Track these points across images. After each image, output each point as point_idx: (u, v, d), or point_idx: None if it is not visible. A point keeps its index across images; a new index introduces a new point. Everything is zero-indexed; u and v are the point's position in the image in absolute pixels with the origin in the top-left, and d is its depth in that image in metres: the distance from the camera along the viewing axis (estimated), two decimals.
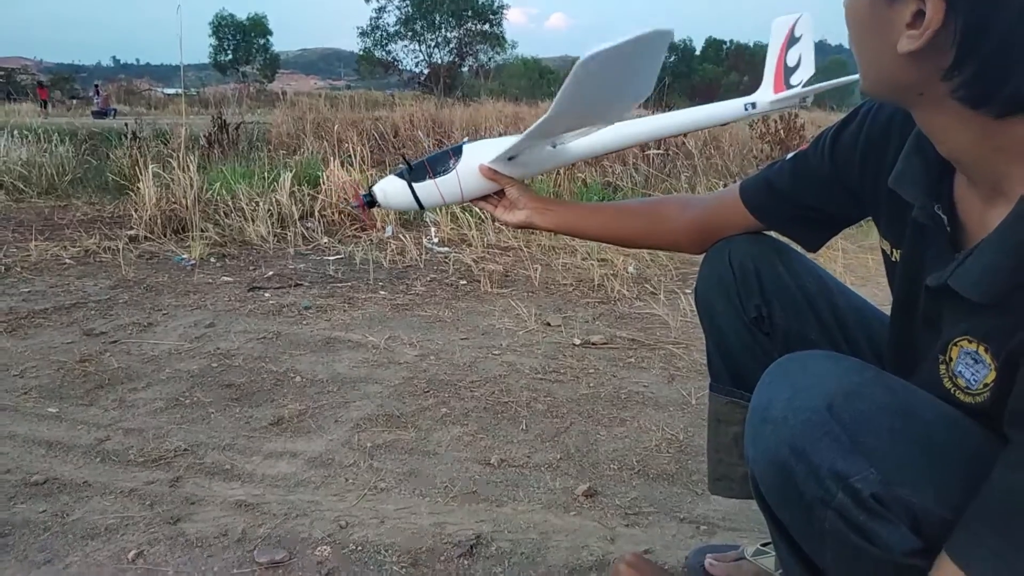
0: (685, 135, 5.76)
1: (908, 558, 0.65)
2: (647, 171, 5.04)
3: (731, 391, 1.04)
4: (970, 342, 0.67)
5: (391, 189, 1.18)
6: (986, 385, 0.66)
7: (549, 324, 2.44)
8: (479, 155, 1.15)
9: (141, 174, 3.96)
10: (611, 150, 1.31)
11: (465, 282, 2.96)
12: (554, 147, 1.18)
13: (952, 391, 0.70)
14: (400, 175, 1.17)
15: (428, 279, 3.00)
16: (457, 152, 1.15)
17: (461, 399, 1.85)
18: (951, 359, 0.70)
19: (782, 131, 5.42)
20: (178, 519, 1.32)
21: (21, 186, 4.97)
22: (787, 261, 1.00)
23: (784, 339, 0.99)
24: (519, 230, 2.75)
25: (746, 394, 1.02)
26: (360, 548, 1.25)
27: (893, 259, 0.83)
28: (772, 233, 1.02)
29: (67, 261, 3.19)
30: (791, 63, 1.40)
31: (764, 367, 1.00)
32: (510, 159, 1.14)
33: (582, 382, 1.97)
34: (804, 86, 1.36)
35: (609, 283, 2.89)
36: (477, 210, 3.25)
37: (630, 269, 3.11)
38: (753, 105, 1.31)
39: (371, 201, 1.20)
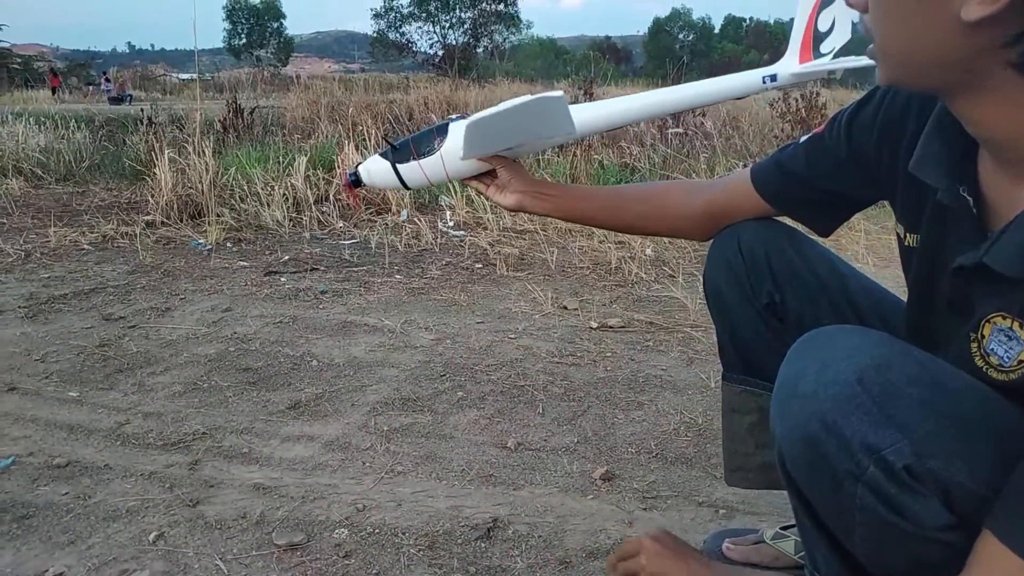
0: (704, 114, 5.68)
1: (940, 533, 0.64)
2: (665, 152, 4.98)
3: (744, 380, 1.03)
4: (1004, 318, 0.66)
5: (375, 169, 1.16)
6: (1021, 362, 0.65)
7: (566, 307, 2.43)
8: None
9: (157, 159, 3.98)
10: (617, 126, 1.25)
11: (481, 265, 2.95)
12: None
13: (984, 369, 0.69)
14: (384, 155, 1.15)
15: (444, 263, 3.00)
16: (443, 131, 1.11)
17: (477, 383, 1.85)
18: (983, 337, 0.68)
19: (803, 110, 5.32)
20: (197, 502, 1.33)
21: (39, 172, 5.01)
22: (797, 245, 0.98)
23: (798, 324, 0.97)
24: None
25: (760, 382, 1.01)
26: (377, 531, 1.25)
27: (907, 243, 0.82)
28: (781, 218, 1.00)
29: (85, 247, 3.21)
30: (823, 27, 1.17)
31: (778, 354, 0.98)
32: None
33: (599, 365, 1.96)
34: (834, 56, 1.16)
35: (626, 266, 2.87)
36: None
37: (648, 251, 3.08)
38: (773, 78, 1.16)
39: (356, 180, 1.18)
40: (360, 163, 1.20)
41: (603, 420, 1.65)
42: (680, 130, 5.27)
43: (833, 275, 0.98)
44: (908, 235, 0.82)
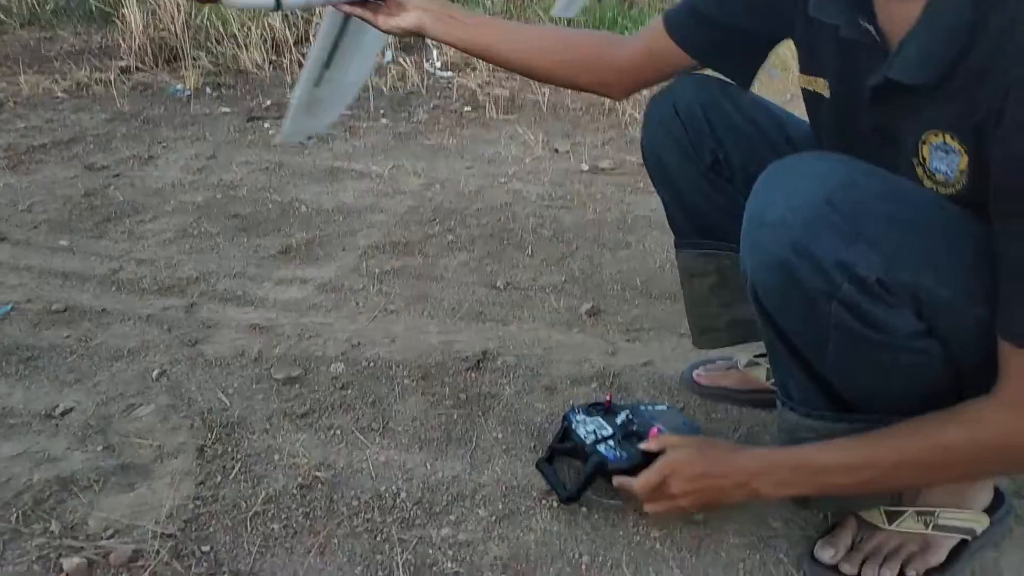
0: None
1: (911, 340, 0.68)
2: None
3: (699, 243, 1.03)
4: (936, 135, 0.68)
5: None
6: (962, 172, 0.67)
7: (557, 150, 2.38)
8: None
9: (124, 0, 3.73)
10: None
11: (470, 108, 2.86)
12: None
13: (934, 189, 0.71)
14: None
15: (431, 106, 2.90)
16: None
17: (467, 226, 1.85)
18: (924, 159, 0.70)
19: None
20: (196, 341, 1.38)
21: (2, 16, 4.71)
22: (732, 97, 0.97)
23: (744, 178, 0.97)
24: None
25: (715, 243, 1.01)
26: (372, 364, 1.31)
27: (811, 89, 0.85)
28: (710, 72, 0.98)
29: (59, 95, 3.09)
30: None
31: (728, 214, 0.99)
32: None
33: (589, 208, 1.96)
34: None
35: (620, 107, 2.77)
36: None
37: (643, 91, 2.97)
38: None
39: None
40: None
41: (591, 260, 1.68)
42: None
43: (772, 121, 0.98)
44: (806, 77, 0.85)
